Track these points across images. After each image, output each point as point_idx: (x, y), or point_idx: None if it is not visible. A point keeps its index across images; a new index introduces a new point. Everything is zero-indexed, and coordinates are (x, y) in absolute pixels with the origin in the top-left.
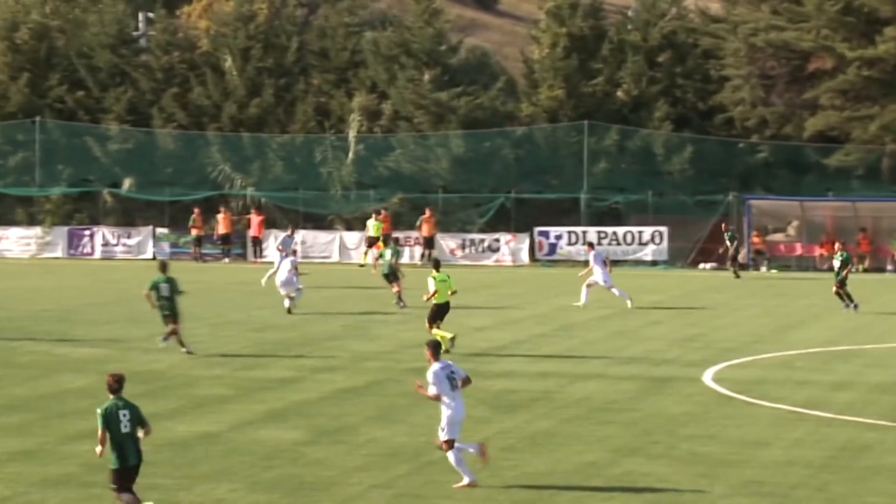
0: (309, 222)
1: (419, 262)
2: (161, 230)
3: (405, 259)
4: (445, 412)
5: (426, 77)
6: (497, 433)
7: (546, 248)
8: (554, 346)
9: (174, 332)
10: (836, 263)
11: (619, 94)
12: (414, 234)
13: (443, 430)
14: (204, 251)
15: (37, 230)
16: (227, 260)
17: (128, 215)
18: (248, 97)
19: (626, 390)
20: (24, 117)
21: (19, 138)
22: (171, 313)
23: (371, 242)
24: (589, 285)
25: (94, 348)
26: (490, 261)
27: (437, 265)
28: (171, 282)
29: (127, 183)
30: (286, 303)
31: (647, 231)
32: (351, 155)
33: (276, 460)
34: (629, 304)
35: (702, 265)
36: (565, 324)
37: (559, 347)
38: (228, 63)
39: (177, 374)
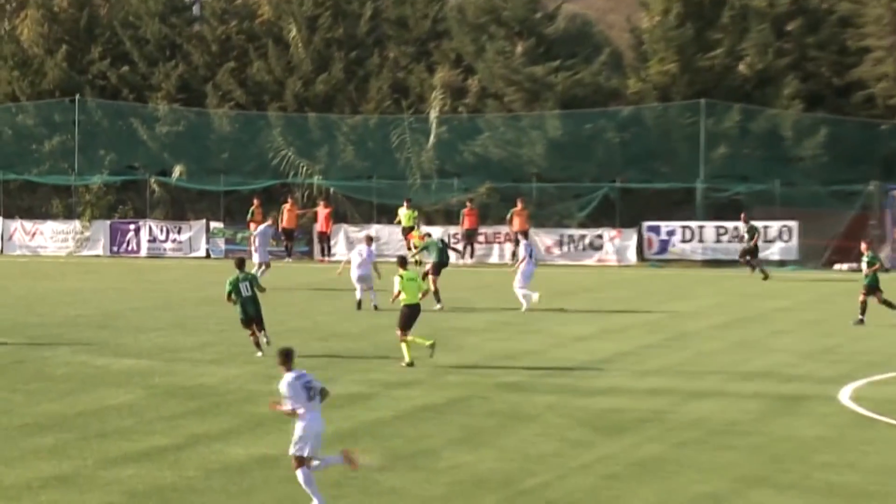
0: (383, 215)
1: (509, 262)
2: (215, 224)
3: (493, 258)
4: (299, 425)
5: (519, 49)
6: (599, 459)
7: (656, 246)
8: (665, 358)
9: (254, 335)
10: (864, 266)
11: (742, 67)
12: (504, 229)
13: (295, 444)
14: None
15: (75, 224)
16: (289, 259)
17: (178, 207)
18: (315, 72)
19: (750, 410)
20: (61, 96)
21: (56, 119)
22: (256, 315)
23: (405, 233)
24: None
25: (138, 359)
26: (591, 260)
27: (402, 263)
28: (251, 279)
29: (177, 170)
30: (357, 294)
31: (774, 226)
32: (432, 138)
33: (344, 488)
34: (523, 307)
35: (837, 266)
36: (678, 333)
37: (671, 360)
38: (293, 34)
39: (231, 388)
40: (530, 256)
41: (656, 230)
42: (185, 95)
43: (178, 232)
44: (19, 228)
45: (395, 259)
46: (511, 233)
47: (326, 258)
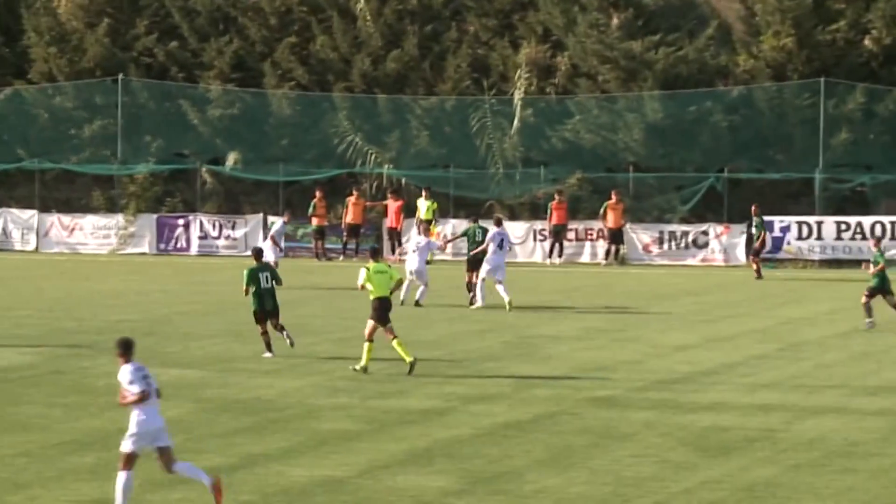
0: (461, 209)
1: (602, 262)
2: (274, 219)
3: (584, 257)
4: (135, 419)
5: (614, 22)
6: (703, 483)
7: (769, 244)
8: (778, 370)
9: (266, 333)
10: (872, 267)
11: (867, 42)
12: (596, 224)
13: (128, 438)
14: (328, 246)
15: (118, 218)
16: (355, 258)
17: (232, 200)
18: (386, 49)
19: (874, 429)
20: (103, 75)
21: (97, 102)
22: (273, 310)
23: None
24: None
25: (187, 369)
26: (695, 259)
27: (374, 253)
28: (271, 271)
29: (231, 158)
30: (417, 293)
31: None
32: (516, 123)
33: None
34: (477, 304)
35: None
36: (793, 342)
37: (784, 373)
38: (360, 5)
39: (291, 402)
40: (500, 246)
41: (769, 226)
42: (240, 74)
43: (233, 227)
44: (56, 223)
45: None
46: (605, 229)
47: (397, 257)
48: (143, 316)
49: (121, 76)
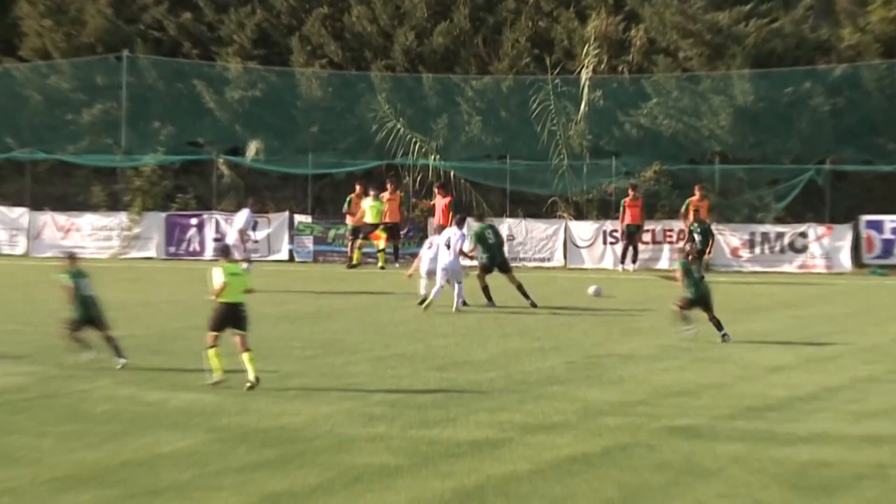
0: (519, 205)
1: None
2: (301, 218)
3: (663, 262)
4: None
5: None
6: None
7: (878, 248)
8: (889, 396)
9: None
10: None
11: None
12: (677, 224)
13: None
14: (366, 249)
15: (121, 218)
16: (396, 264)
17: (254, 196)
18: (432, 21)
19: None
20: (105, 52)
21: (98, 82)
22: (98, 318)
23: (366, 233)
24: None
25: (201, 393)
26: (792, 266)
27: (225, 252)
28: (85, 276)
29: (252, 148)
30: (431, 291)
31: None
32: (583, 107)
33: None
34: (455, 305)
35: None
36: None
37: None
38: None
39: (321, 432)
40: (447, 247)
41: (878, 227)
42: (264, 51)
43: (254, 228)
44: (50, 223)
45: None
46: (685, 228)
47: None
48: (149, 331)
49: (125, 53)
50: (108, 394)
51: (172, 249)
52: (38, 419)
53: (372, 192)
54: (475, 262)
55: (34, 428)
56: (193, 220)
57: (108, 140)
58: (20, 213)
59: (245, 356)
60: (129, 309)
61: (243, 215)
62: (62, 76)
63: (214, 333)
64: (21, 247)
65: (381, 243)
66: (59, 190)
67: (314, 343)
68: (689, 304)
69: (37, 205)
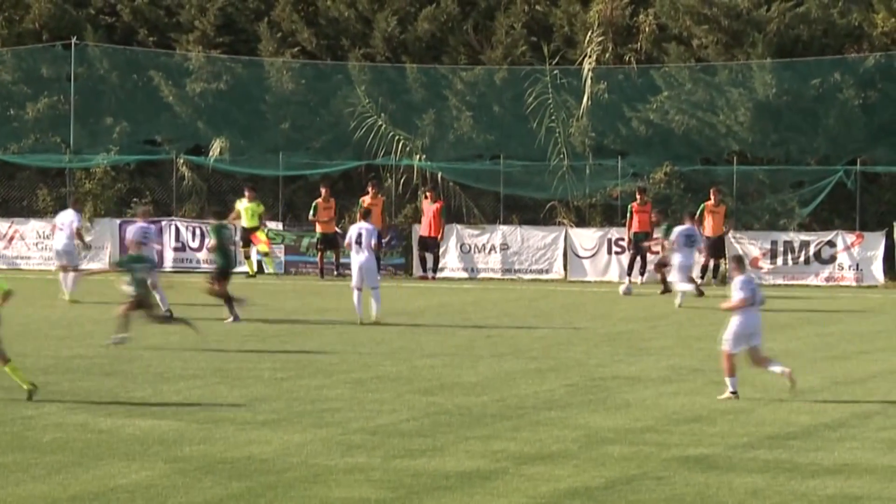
0: (514, 211)
1: (698, 281)
2: (272, 225)
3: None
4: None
5: None
6: None
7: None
8: None
9: None
10: None
11: None
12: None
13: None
14: (342, 261)
15: None
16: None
17: (216, 200)
18: (416, 6)
19: None
20: (51, 39)
21: (44, 74)
22: None
23: (245, 238)
24: None
25: (160, 419)
26: (818, 278)
27: None
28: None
29: (216, 147)
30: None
31: None
32: (586, 100)
33: None
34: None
35: None
36: None
37: None
38: None
39: (294, 462)
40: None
41: None
42: (229, 38)
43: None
44: None
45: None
46: (702, 238)
47: (431, 274)
48: (101, 351)
49: (74, 40)
50: (57, 420)
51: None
52: None
53: (248, 194)
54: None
55: None
56: (151, 228)
57: (55, 138)
58: None
59: (8, 368)
60: (79, 326)
61: (70, 214)
62: (4, 67)
63: None
64: None
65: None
66: (1, 194)
67: (286, 364)
68: None
69: None
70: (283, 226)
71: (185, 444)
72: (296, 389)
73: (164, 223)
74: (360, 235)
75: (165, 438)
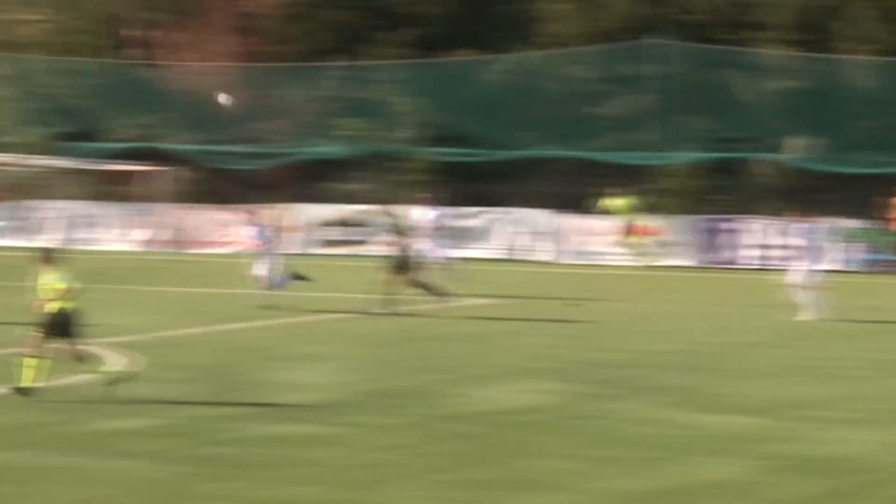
0: None
1: None
2: (851, 223)
3: None
4: None
5: None
6: None
7: None
8: None
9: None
10: None
11: None
12: None
13: None
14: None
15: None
16: None
17: (795, 199)
18: None
19: None
20: (626, 38)
21: (620, 72)
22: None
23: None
24: None
25: (744, 416)
26: None
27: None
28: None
29: (795, 145)
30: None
31: None
32: None
33: None
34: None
35: None
36: None
37: None
38: None
39: (880, 462)
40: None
41: None
42: (805, 36)
43: (787, 233)
44: (570, 226)
45: None
46: None
47: None
48: (683, 346)
49: (648, 40)
50: (641, 415)
51: (706, 257)
52: (567, 441)
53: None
54: None
55: (563, 450)
56: (726, 226)
57: (633, 135)
58: (542, 215)
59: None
60: (660, 322)
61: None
62: (583, 66)
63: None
64: (549, 253)
65: None
66: (578, 190)
67: (873, 363)
68: None
69: (558, 205)
70: (865, 224)
71: (768, 441)
72: (882, 388)
73: (740, 221)
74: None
75: (748, 436)
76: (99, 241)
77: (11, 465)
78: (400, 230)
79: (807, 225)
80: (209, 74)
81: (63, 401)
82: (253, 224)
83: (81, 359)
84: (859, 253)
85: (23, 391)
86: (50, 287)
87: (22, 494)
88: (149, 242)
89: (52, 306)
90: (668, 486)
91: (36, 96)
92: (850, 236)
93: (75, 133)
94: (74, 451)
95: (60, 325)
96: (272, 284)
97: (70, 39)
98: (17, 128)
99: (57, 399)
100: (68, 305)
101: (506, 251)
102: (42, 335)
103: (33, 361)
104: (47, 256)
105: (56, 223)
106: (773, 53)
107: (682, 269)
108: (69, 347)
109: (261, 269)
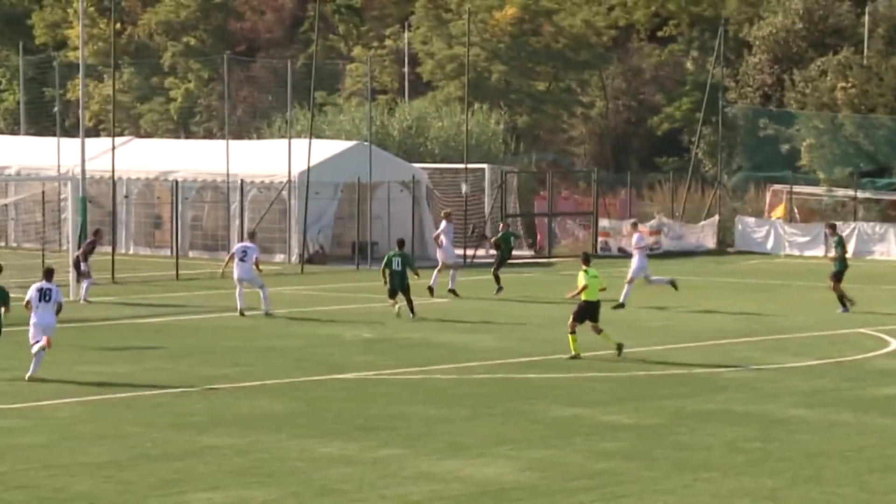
0: None
1: None
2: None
3: None
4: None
5: None
6: None
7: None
8: None
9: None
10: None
11: None
12: None
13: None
14: None
15: None
16: None
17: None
18: None
19: None
20: None
21: None
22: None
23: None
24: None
25: None
26: None
27: (586, 259)
28: (403, 257)
29: None
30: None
31: None
32: None
33: None
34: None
35: None
36: None
37: None
38: None
39: None
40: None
41: None
42: None
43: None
44: None
45: None
46: None
47: None
48: None
49: None
50: None
51: None
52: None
53: None
54: None
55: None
56: None
57: None
58: None
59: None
60: None
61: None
62: None
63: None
64: None
65: None
66: None
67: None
68: None
69: None
70: None
71: None
72: None
73: None
74: (244, 252)
75: None
76: (881, 253)
77: (808, 420)
78: None
79: None
80: None
81: (851, 373)
82: None
83: (599, 332)
84: None
85: (575, 357)
86: (595, 282)
87: (817, 443)
88: None
89: (590, 295)
90: None
91: (842, 143)
92: None
93: (871, 171)
94: (854, 410)
95: (591, 312)
96: None
97: (869, 101)
98: (827, 167)
99: (845, 371)
100: (596, 297)
101: None
102: (575, 318)
103: (573, 336)
104: (586, 258)
105: (847, 240)
106: None
107: None
108: (593, 325)
109: None
